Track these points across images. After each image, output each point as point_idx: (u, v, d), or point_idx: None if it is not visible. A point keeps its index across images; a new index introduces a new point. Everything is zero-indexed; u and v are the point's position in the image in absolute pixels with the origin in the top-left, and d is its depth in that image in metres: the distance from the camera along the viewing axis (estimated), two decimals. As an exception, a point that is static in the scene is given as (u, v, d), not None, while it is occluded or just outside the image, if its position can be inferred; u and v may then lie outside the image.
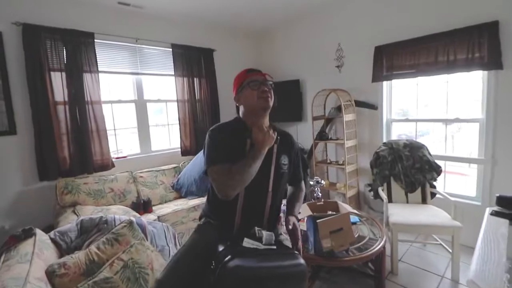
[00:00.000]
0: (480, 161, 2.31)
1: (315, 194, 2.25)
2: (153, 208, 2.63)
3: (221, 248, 1.02)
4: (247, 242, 1.07)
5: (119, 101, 2.98)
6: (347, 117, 2.87)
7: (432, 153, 2.43)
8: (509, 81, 2.11)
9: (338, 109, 3.03)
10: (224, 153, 1.10)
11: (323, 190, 3.13)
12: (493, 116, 2.20)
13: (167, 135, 3.43)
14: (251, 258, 0.98)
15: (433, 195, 2.32)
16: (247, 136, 1.14)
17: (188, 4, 2.82)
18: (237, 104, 1.24)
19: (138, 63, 2.98)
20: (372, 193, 2.59)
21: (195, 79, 3.36)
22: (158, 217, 2.43)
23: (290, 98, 3.59)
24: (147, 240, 1.65)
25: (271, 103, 1.17)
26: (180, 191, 2.93)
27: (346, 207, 1.86)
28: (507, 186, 2.13)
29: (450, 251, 1.96)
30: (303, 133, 3.57)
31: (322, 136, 3.13)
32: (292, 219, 1.20)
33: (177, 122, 3.26)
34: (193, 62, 3.34)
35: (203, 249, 1.11)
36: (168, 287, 1.05)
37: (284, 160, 1.24)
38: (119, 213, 2.16)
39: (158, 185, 2.86)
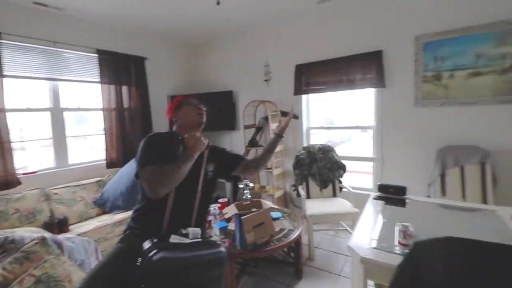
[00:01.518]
0: (374, 159, 2.88)
1: (244, 197, 2.43)
2: (71, 227, 2.39)
3: (147, 245, 1.06)
4: (174, 238, 1.13)
5: (29, 110, 2.67)
6: (274, 125, 3.20)
7: (341, 154, 2.91)
8: (390, 97, 2.73)
9: (266, 118, 3.35)
10: (157, 155, 1.17)
11: (255, 193, 3.36)
12: (380, 123, 2.80)
13: (90, 146, 3.19)
14: (176, 250, 1.06)
15: (341, 189, 2.77)
16: (180, 142, 1.25)
17: (114, 9, 2.76)
18: (173, 119, 1.38)
19: (55, 68, 2.74)
20: (295, 192, 2.93)
21: (123, 87, 3.24)
22: (78, 235, 2.24)
23: (223, 108, 3.77)
24: (64, 255, 1.55)
25: (205, 120, 1.38)
26: (104, 206, 2.74)
27: (268, 204, 2.09)
28: (392, 178, 2.71)
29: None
30: (236, 141, 3.78)
31: (253, 143, 3.38)
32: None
33: (103, 132, 3.08)
34: (122, 69, 3.23)
35: (127, 252, 1.14)
36: None
37: (211, 167, 1.38)
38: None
39: (77, 201, 2.62)
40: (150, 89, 3.53)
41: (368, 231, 1.39)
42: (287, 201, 3.43)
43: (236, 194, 3.33)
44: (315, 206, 2.48)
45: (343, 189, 2.75)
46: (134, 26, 3.27)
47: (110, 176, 2.95)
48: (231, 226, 2.03)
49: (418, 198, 1.91)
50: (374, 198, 1.88)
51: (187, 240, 1.13)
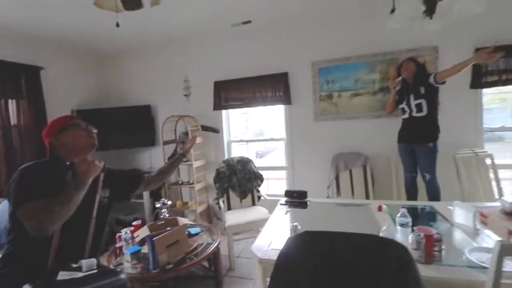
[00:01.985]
0: (286, 168, 3.21)
1: (161, 216, 2.35)
2: None
3: None
4: (63, 275, 1.03)
5: None
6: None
7: (258, 165, 3.13)
8: (296, 112, 3.11)
9: (187, 133, 3.34)
10: (38, 188, 1.03)
11: (177, 210, 3.27)
12: (290, 136, 3.15)
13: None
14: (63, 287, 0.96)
15: (259, 198, 2.97)
16: (69, 168, 1.12)
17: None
18: (54, 144, 1.21)
19: None
20: (218, 205, 2.98)
21: (10, 100, 2.75)
22: None
23: (141, 123, 3.58)
24: None
25: (97, 143, 1.29)
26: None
27: (184, 221, 2.08)
28: (302, 183, 3.07)
29: (270, 239, 2.56)
30: (156, 157, 3.63)
31: (174, 158, 3.31)
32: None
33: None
34: (8, 80, 2.73)
35: None
36: None
37: (106, 193, 1.30)
38: None
39: None
40: (49, 103, 3.08)
41: (271, 234, 1.55)
42: (211, 215, 3.46)
43: (157, 215, 3.17)
44: (234, 216, 2.59)
45: (261, 198, 2.95)
46: (25, 31, 2.84)
47: (-11, 208, 2.41)
48: (145, 249, 1.94)
49: (317, 199, 2.23)
50: (281, 204, 2.10)
51: (79, 274, 1.04)
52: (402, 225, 1.32)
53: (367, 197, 2.64)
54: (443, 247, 1.23)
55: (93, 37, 3.18)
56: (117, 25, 1.48)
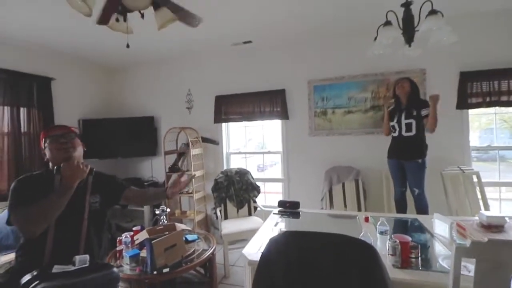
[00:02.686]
0: (282, 180, 3.33)
1: (160, 222, 2.45)
2: None
3: (26, 279, 1.03)
4: (56, 268, 1.11)
5: None
6: (195, 151, 3.36)
7: (255, 177, 3.25)
8: (292, 127, 3.27)
9: (188, 144, 3.48)
10: (26, 196, 1.15)
11: (176, 219, 3.36)
12: (286, 149, 3.29)
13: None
14: (58, 279, 1.05)
15: (255, 209, 3.07)
16: (57, 172, 1.23)
17: (13, 26, 2.57)
18: (45, 153, 1.31)
19: None
20: (215, 214, 3.08)
21: (22, 109, 2.92)
22: None
23: (144, 134, 3.75)
24: None
25: (72, 152, 1.29)
26: (-12, 248, 2.33)
27: (181, 226, 2.18)
28: (297, 195, 3.17)
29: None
30: (157, 167, 3.76)
31: (174, 169, 3.44)
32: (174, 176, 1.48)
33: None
34: (21, 90, 2.92)
35: None
36: None
37: (94, 199, 1.35)
38: None
39: None
40: (58, 112, 3.26)
41: (261, 240, 1.65)
42: (208, 224, 3.54)
43: (156, 221, 3.26)
44: (230, 225, 2.69)
45: (257, 208, 3.05)
46: (38, 44, 3.05)
47: (-2, 211, 2.53)
48: (144, 253, 2.03)
49: (310, 210, 2.33)
50: (274, 213, 2.21)
51: (71, 268, 1.13)
52: (381, 232, 1.43)
53: (359, 209, 2.74)
54: (419, 254, 1.34)
55: (101, 52, 3.40)
56: (127, 46, 1.65)
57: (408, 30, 1.68)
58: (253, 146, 3.84)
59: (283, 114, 3.25)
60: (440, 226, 1.65)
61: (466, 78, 2.70)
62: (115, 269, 1.20)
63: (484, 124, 3.09)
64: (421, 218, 2.01)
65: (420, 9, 1.63)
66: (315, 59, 3.15)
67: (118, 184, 1.51)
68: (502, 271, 0.93)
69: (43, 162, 1.49)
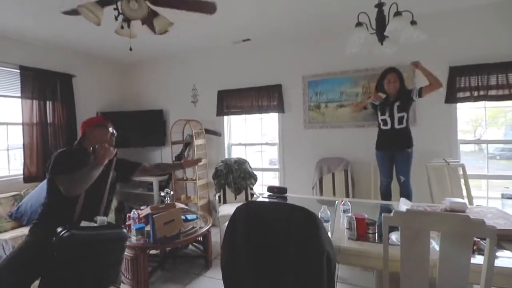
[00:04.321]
0: (278, 169, 3.56)
1: (165, 202, 2.78)
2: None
3: (60, 229, 1.35)
4: (84, 223, 1.46)
5: None
6: (198, 141, 3.66)
7: (253, 166, 3.50)
8: (288, 120, 3.48)
9: (192, 136, 3.78)
10: (68, 165, 1.47)
11: (182, 203, 3.68)
12: (282, 141, 3.51)
13: (6, 161, 3.14)
14: (84, 230, 1.39)
15: (252, 195, 3.33)
16: (92, 152, 1.58)
17: (41, 28, 2.94)
18: (88, 134, 1.66)
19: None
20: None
21: (48, 102, 3.32)
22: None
23: (154, 126, 4.09)
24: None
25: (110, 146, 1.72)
26: (20, 220, 2.76)
27: (180, 206, 2.49)
28: (291, 184, 3.38)
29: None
30: (165, 155, 4.10)
31: (180, 157, 3.75)
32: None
33: (20, 146, 3.08)
34: (47, 86, 3.32)
35: (35, 246, 1.42)
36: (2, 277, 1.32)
37: (113, 174, 1.73)
38: None
39: (-12, 215, 2.61)
40: (78, 106, 3.65)
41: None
42: (210, 208, 3.85)
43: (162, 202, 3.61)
44: (227, 208, 2.97)
45: (254, 195, 3.31)
46: (61, 45, 3.43)
47: (28, 190, 2.96)
48: (148, 227, 2.36)
49: (296, 195, 2.56)
50: (263, 197, 2.45)
51: (94, 225, 1.47)
52: (344, 211, 1.65)
53: (347, 197, 2.93)
54: (376, 230, 1.54)
55: (117, 50, 3.74)
56: (130, 49, 1.94)
57: (380, 30, 1.83)
58: (257, 138, 4.06)
59: (280, 108, 3.45)
60: (403, 209, 1.83)
61: (455, 73, 2.79)
62: (124, 230, 1.52)
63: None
64: (395, 204, 2.19)
65: (389, 10, 1.78)
66: (309, 56, 3.32)
67: (132, 163, 1.91)
68: (422, 238, 1.13)
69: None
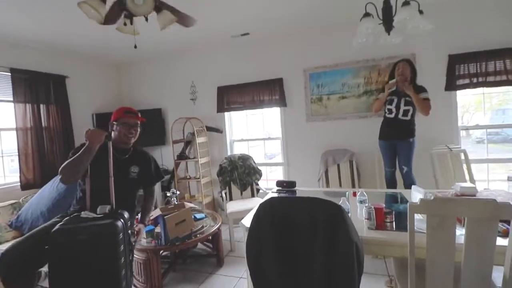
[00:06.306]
0: (282, 164, 3.56)
1: (171, 203, 2.74)
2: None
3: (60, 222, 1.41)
4: (84, 214, 1.46)
5: None
6: (200, 139, 3.61)
7: (258, 161, 3.49)
8: (290, 114, 3.47)
9: (193, 133, 3.73)
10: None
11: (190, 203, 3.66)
12: (285, 135, 3.50)
13: (1, 168, 3.02)
14: (72, 224, 1.39)
15: (258, 191, 3.32)
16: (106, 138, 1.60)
17: (26, 28, 2.81)
18: (114, 127, 1.79)
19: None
20: (221, 197, 3.35)
21: (42, 105, 3.20)
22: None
23: (154, 125, 4.00)
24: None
25: (133, 140, 1.81)
26: (21, 229, 2.66)
27: (190, 205, 2.46)
28: (296, 178, 3.37)
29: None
30: (166, 155, 4.03)
31: (182, 156, 3.70)
32: (140, 225, 1.84)
33: (15, 153, 2.97)
34: (39, 88, 3.19)
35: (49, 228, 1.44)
36: (9, 257, 1.40)
37: (134, 169, 1.76)
38: None
39: (-13, 226, 2.51)
40: (73, 108, 3.54)
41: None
42: (216, 206, 3.83)
43: (168, 202, 3.56)
44: (235, 205, 2.95)
45: (260, 191, 3.30)
46: (51, 44, 3.28)
47: (27, 197, 2.86)
48: (158, 229, 2.32)
49: (306, 188, 2.56)
50: (273, 192, 2.45)
51: (92, 215, 1.45)
52: (360, 202, 1.66)
53: (353, 187, 2.95)
54: (393, 219, 1.56)
55: (111, 49, 3.63)
56: (135, 47, 1.88)
57: (387, 20, 1.83)
58: (259, 133, 4.03)
59: (281, 102, 3.44)
60: (416, 198, 1.85)
61: (454, 61, 2.82)
62: (116, 222, 1.40)
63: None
64: (405, 192, 2.22)
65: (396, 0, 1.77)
66: (310, 48, 3.30)
67: (152, 178, 1.95)
68: (448, 224, 1.15)
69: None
